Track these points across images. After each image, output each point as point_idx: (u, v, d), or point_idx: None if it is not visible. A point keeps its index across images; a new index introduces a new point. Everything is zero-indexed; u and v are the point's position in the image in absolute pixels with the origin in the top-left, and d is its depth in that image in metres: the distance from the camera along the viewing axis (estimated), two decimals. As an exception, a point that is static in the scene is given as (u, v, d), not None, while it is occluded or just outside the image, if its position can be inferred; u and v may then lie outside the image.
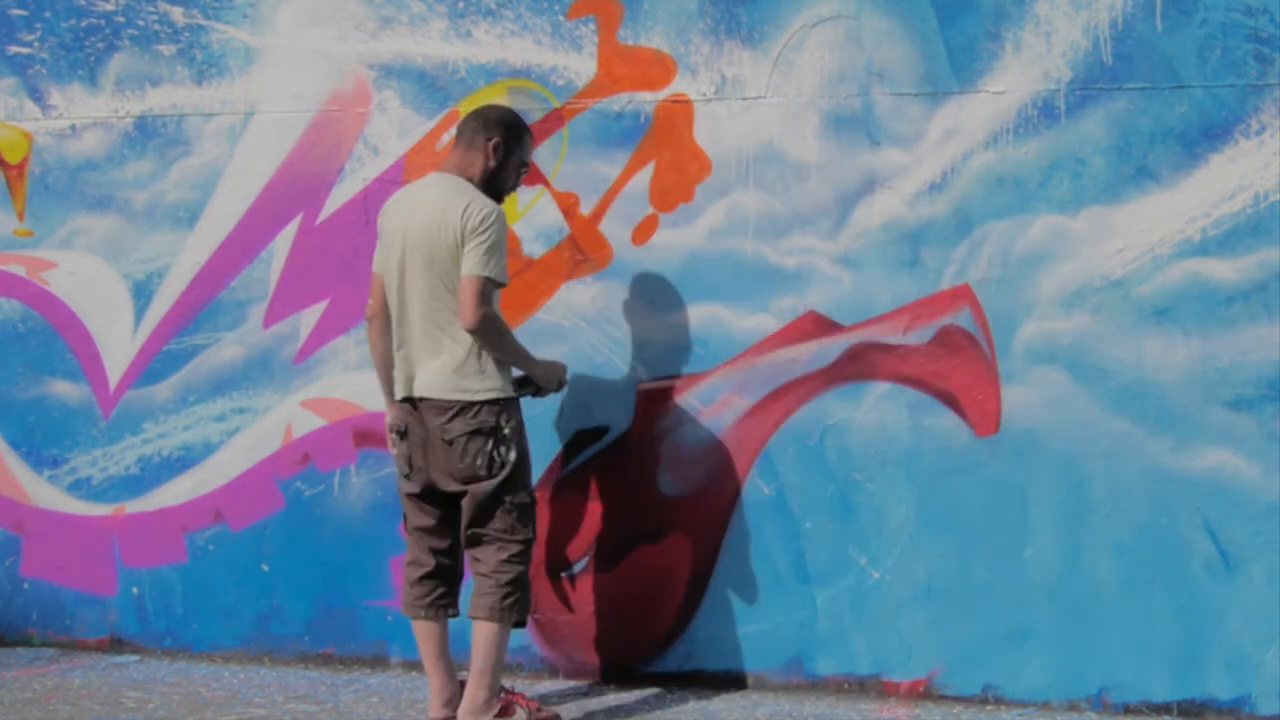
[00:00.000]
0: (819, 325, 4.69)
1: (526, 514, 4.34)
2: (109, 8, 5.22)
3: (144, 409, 5.27)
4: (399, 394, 4.34)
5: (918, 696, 4.66)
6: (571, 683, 4.89)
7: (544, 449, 4.87)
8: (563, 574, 4.93)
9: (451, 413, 4.24)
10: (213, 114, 5.15)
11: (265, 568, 5.17)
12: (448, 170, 4.33)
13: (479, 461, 4.25)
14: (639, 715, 4.58)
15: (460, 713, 4.31)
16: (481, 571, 4.31)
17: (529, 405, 4.92)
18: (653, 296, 4.81)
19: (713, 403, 4.77)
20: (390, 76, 4.99)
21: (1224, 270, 4.38)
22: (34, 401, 5.37)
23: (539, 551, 4.92)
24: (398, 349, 4.33)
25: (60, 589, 5.38)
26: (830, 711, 4.59)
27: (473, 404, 4.24)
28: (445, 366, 4.24)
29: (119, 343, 5.29)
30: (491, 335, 4.23)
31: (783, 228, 4.69)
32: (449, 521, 4.40)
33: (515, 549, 4.30)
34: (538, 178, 4.87)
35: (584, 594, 4.91)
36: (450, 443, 4.25)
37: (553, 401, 4.85)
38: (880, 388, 4.65)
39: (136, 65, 5.21)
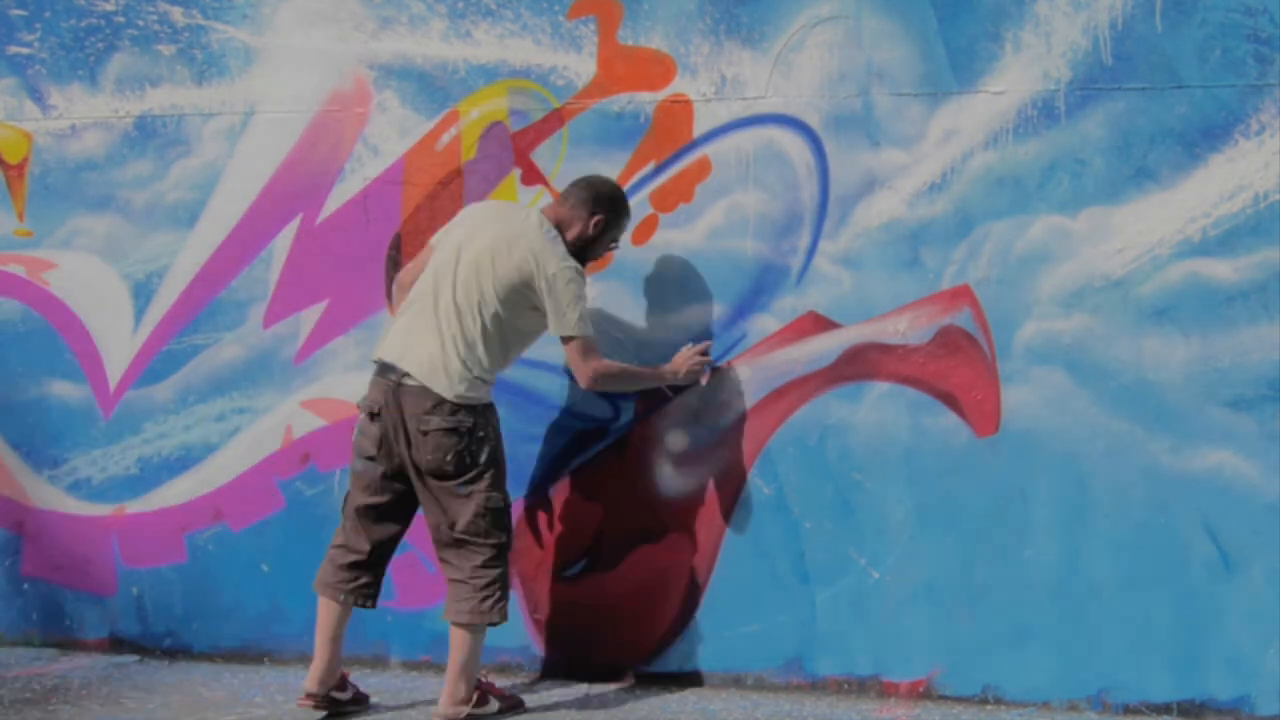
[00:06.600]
0: (819, 325, 4.69)
1: (500, 518, 4.41)
2: (109, 8, 5.21)
3: (144, 409, 5.27)
4: (378, 355, 4.44)
5: (918, 696, 4.65)
6: (572, 683, 4.89)
7: (544, 449, 4.88)
8: (563, 574, 4.93)
9: (431, 404, 4.32)
10: (212, 114, 5.15)
11: (265, 568, 5.17)
12: (549, 217, 4.49)
13: (448, 458, 4.33)
14: (639, 715, 4.58)
15: (441, 707, 4.44)
16: (457, 577, 4.39)
17: (528, 405, 4.90)
18: (653, 296, 4.81)
19: (713, 403, 4.77)
20: (390, 76, 4.98)
21: (1224, 270, 4.37)
22: (34, 401, 5.36)
23: (540, 552, 4.92)
24: (402, 315, 4.44)
25: (60, 589, 5.38)
26: (830, 711, 4.59)
27: (453, 402, 4.33)
28: (440, 360, 4.33)
29: (119, 343, 5.28)
30: (608, 385, 4.54)
31: (783, 228, 4.69)
32: (397, 512, 4.49)
33: (490, 553, 4.38)
34: (537, 178, 4.86)
35: (584, 594, 4.91)
36: (425, 434, 4.33)
37: (552, 401, 4.86)
38: (880, 388, 4.65)
39: (136, 65, 5.20)
